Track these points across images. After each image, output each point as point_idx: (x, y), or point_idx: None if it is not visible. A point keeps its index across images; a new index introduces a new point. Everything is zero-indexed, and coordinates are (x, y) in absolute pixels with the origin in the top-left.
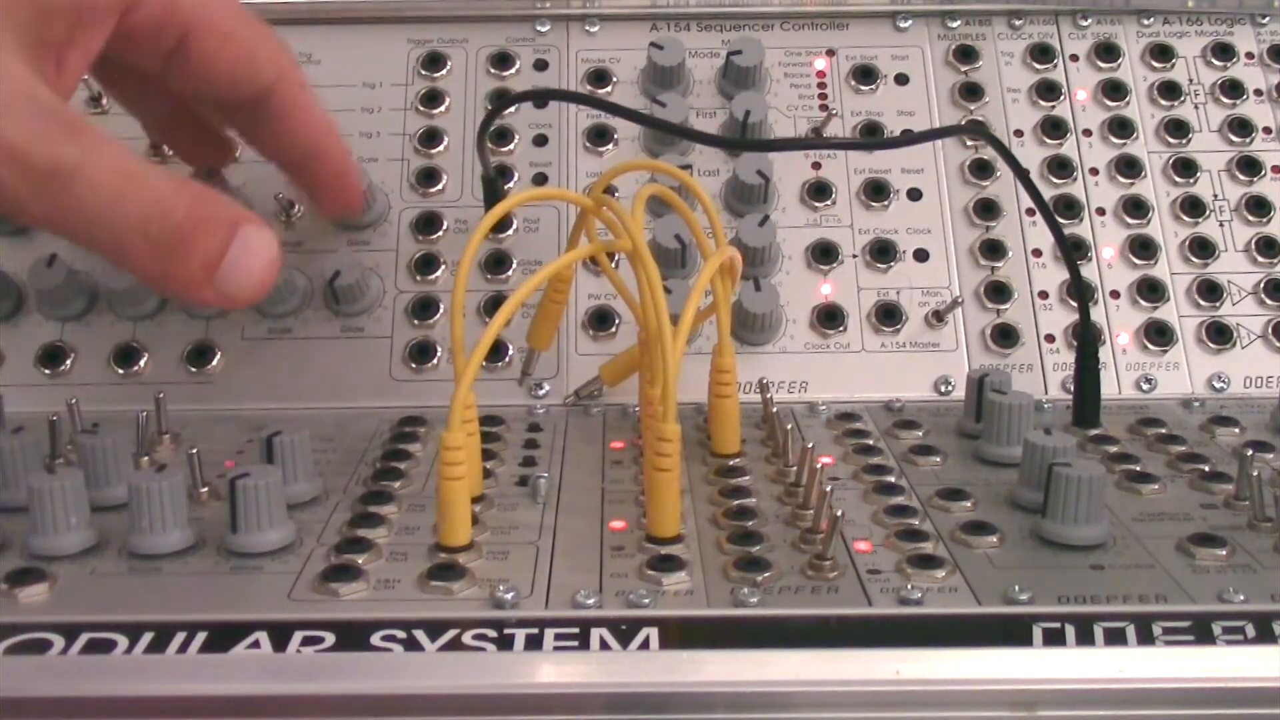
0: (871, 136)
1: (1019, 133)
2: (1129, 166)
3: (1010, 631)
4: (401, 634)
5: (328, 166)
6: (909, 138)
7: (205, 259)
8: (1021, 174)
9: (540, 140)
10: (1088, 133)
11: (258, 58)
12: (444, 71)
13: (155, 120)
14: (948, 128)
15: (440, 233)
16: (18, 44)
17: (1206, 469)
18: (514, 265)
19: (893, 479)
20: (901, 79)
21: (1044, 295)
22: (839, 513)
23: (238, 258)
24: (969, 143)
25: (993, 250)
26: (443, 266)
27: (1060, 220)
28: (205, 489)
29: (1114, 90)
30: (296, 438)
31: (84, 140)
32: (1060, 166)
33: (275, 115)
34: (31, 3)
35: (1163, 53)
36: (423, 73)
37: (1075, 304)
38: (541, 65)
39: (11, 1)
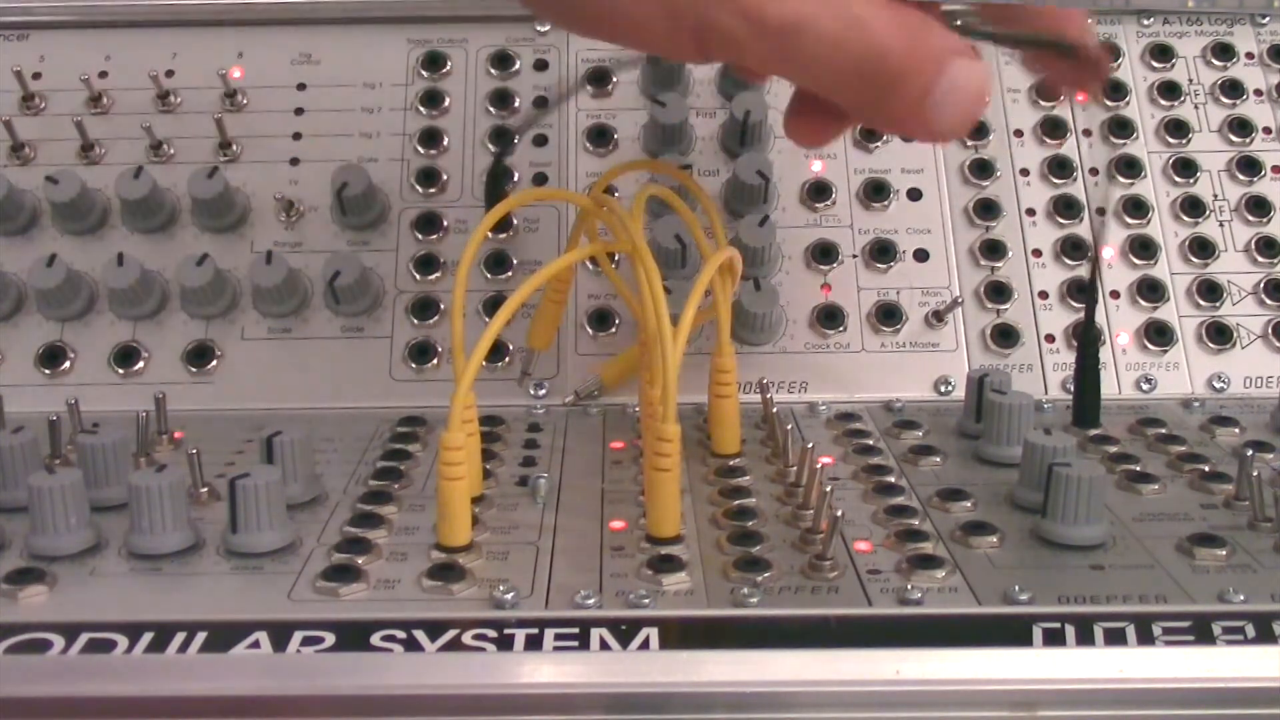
0: (870, 139)
1: (1019, 133)
2: (1129, 166)
3: (1010, 631)
4: (401, 634)
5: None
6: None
7: (913, 97)
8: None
9: (540, 140)
10: (1088, 133)
11: None
12: (444, 71)
13: None
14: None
15: (440, 233)
16: None
17: (1206, 469)
18: (514, 265)
19: (893, 479)
20: None
21: (1044, 295)
22: (839, 513)
23: (945, 94)
24: (969, 143)
25: (993, 250)
26: (443, 266)
27: (1060, 220)
28: (205, 489)
29: (1114, 90)
30: (296, 438)
31: None
32: (1060, 166)
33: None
34: None
35: (1163, 53)
36: (423, 73)
37: (1075, 304)
38: (541, 65)
39: None
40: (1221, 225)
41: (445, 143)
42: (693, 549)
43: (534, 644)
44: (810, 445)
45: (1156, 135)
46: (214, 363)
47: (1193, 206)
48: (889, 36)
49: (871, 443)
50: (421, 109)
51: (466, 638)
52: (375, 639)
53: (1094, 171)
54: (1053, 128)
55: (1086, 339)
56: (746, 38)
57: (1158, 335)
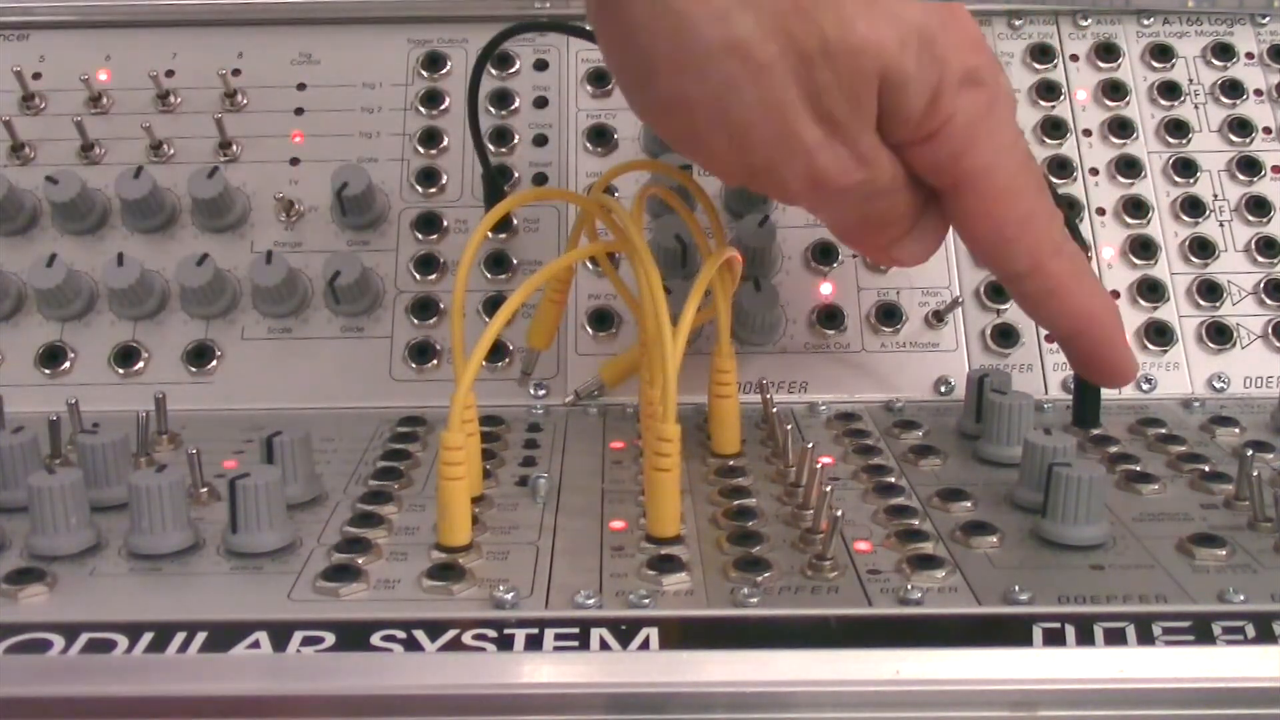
0: None
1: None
2: (1129, 166)
3: (1010, 631)
4: (401, 634)
5: (1086, 346)
6: None
7: (887, 242)
8: None
9: (540, 140)
10: (1088, 133)
11: (1012, 244)
12: (444, 71)
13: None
14: None
15: (440, 233)
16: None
17: (1206, 469)
18: (514, 265)
19: (893, 479)
20: None
21: None
22: (839, 513)
23: (913, 239)
24: None
25: None
26: (443, 266)
27: None
28: (205, 489)
29: (1114, 90)
30: (296, 438)
31: (869, 169)
32: (1060, 166)
33: (1022, 297)
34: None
35: (1163, 53)
36: (423, 73)
37: None
38: (541, 65)
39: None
40: (1221, 225)
41: (445, 143)
42: (693, 549)
43: (534, 644)
44: (810, 445)
45: (1156, 135)
46: (214, 363)
47: (1193, 206)
48: (895, 199)
49: (871, 443)
50: (421, 109)
51: (466, 638)
52: (375, 639)
53: (1094, 171)
54: (1053, 128)
55: None
56: (801, 196)
57: (1158, 335)
